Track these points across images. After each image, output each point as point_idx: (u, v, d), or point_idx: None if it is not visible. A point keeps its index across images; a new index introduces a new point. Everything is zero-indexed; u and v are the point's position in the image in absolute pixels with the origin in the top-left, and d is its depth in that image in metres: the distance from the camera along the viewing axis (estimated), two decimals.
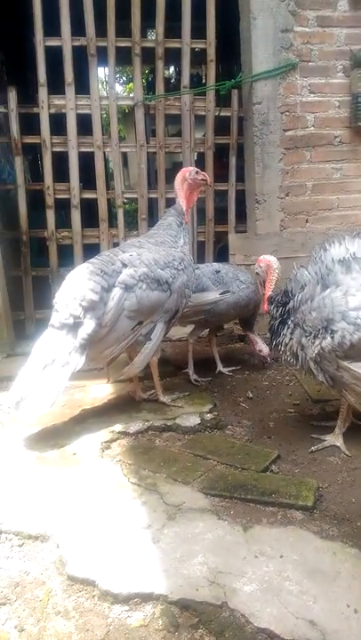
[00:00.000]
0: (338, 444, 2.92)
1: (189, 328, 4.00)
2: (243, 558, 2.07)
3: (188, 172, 3.42)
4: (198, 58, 5.10)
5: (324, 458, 2.85)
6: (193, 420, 3.21)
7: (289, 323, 2.91)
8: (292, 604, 1.84)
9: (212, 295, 3.73)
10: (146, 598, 1.90)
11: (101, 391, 3.72)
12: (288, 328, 2.91)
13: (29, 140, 4.75)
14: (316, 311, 2.73)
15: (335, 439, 2.95)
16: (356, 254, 2.77)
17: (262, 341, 3.92)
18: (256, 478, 2.59)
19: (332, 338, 2.66)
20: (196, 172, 3.42)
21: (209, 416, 3.28)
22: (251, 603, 1.86)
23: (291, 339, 2.90)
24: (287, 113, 4.52)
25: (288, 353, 2.95)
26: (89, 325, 2.97)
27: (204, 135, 4.93)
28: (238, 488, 2.50)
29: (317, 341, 2.73)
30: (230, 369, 4.06)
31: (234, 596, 1.89)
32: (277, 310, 2.99)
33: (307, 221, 4.72)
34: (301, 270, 2.94)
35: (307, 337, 2.80)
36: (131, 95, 5.30)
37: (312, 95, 4.56)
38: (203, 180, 3.41)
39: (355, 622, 1.75)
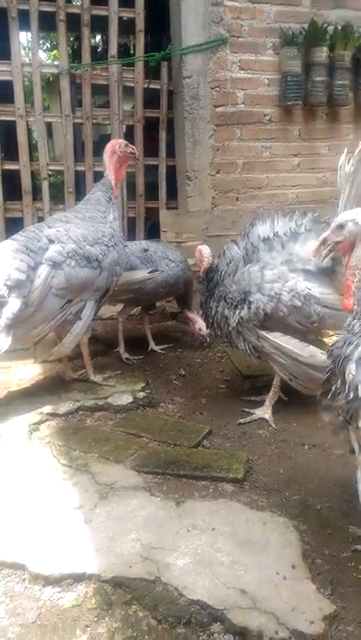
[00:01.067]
0: (266, 417, 3.00)
1: (120, 306, 3.94)
2: (176, 533, 2.08)
3: (117, 145, 3.31)
4: (127, 27, 4.94)
5: (254, 431, 2.91)
6: (125, 399, 3.18)
7: (215, 296, 3.08)
8: (223, 575, 1.87)
9: (141, 274, 3.67)
10: (78, 579, 1.87)
11: (28, 372, 3.59)
12: (214, 301, 3.08)
13: None
14: (237, 284, 2.95)
15: (264, 412, 3.02)
16: (279, 233, 2.93)
17: (201, 320, 3.89)
18: (188, 454, 2.60)
19: (249, 308, 2.87)
20: (126, 145, 3.32)
21: (141, 394, 3.26)
22: (184, 576, 1.87)
23: (216, 311, 3.08)
24: (218, 88, 4.49)
25: (215, 325, 3.13)
26: (14, 305, 2.84)
27: (133, 107, 4.82)
28: (171, 464, 2.51)
29: (237, 312, 2.94)
30: (163, 347, 4.05)
31: (167, 570, 1.90)
32: (206, 285, 3.15)
33: (237, 199, 4.74)
34: (230, 246, 3.10)
35: (229, 308, 2.99)
36: (55, 63, 5.08)
37: (242, 72, 4.55)
38: (132, 153, 3.32)
39: (284, 588, 1.81)
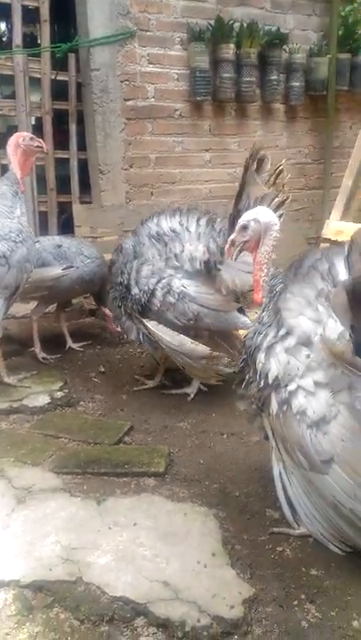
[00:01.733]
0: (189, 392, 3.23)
1: (33, 304, 3.83)
2: (97, 531, 2.06)
3: (21, 138, 3.18)
4: (32, 16, 4.76)
5: (175, 424, 2.94)
6: (42, 400, 3.10)
7: (113, 289, 3.28)
8: (146, 569, 1.87)
9: (54, 271, 3.57)
10: None
11: None
12: (113, 294, 3.27)
13: None
14: (121, 277, 3.15)
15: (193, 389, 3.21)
16: (164, 231, 3.10)
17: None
18: (109, 451, 2.58)
19: (131, 300, 3.08)
20: (31, 139, 3.19)
21: (59, 394, 3.19)
22: (106, 574, 1.86)
23: (113, 302, 3.27)
24: (127, 82, 4.46)
25: (115, 315, 3.34)
26: None
27: (41, 99, 4.67)
28: (91, 463, 2.48)
29: (124, 302, 3.13)
30: (81, 344, 3.98)
31: (88, 569, 1.88)
32: (110, 280, 3.39)
33: (152, 194, 4.75)
34: (126, 241, 3.28)
35: (121, 300, 3.16)
36: None
37: (151, 66, 4.55)
38: (38, 147, 3.21)
39: (205, 576, 1.84)
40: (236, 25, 4.70)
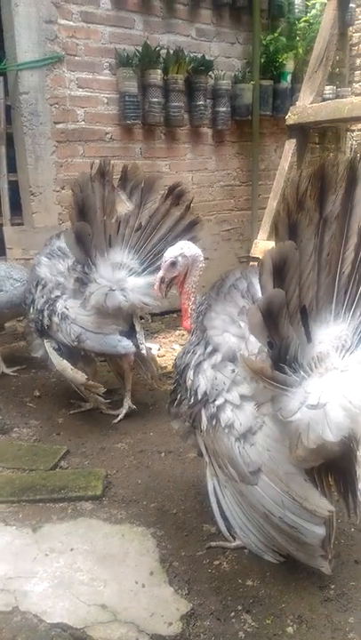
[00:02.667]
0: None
1: None
2: (33, 559, 2.03)
3: None
4: None
5: (113, 445, 2.94)
6: None
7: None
8: (83, 594, 1.86)
9: None
10: None
11: None
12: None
13: None
14: (27, 298, 3.30)
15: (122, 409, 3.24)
16: (54, 249, 3.27)
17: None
18: (45, 477, 2.55)
19: (32, 320, 3.24)
20: None
21: None
22: (43, 601, 1.84)
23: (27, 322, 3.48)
24: (57, 105, 4.48)
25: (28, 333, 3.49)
26: None
27: None
28: (26, 490, 2.44)
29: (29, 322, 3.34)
30: (15, 369, 3.91)
31: (25, 598, 1.85)
32: None
33: None
34: (35, 263, 3.37)
35: (29, 319, 3.34)
36: None
37: (81, 90, 4.60)
38: None
39: (143, 596, 1.85)
40: (163, 51, 4.85)
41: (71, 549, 2.07)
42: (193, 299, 2.16)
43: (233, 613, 1.83)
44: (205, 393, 1.89)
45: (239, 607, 1.85)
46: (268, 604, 1.87)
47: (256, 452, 1.79)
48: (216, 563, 2.05)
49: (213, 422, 1.87)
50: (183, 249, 2.14)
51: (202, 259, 2.17)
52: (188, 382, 1.94)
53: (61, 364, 3.06)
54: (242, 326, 1.87)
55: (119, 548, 2.09)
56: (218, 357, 1.88)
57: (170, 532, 2.20)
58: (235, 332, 1.89)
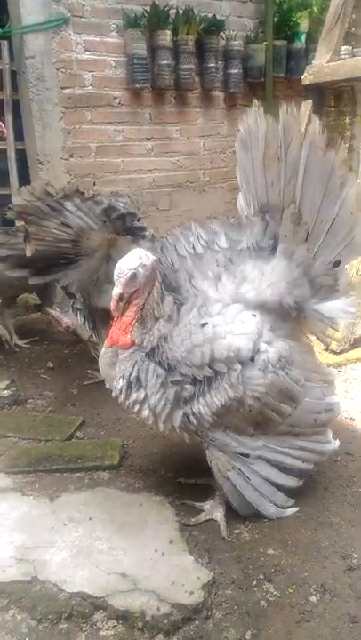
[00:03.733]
0: None
1: None
2: (51, 529, 2.01)
3: None
4: None
5: (128, 416, 2.89)
6: None
7: None
8: (103, 562, 1.85)
9: None
10: None
11: None
12: None
13: None
14: None
15: None
16: None
17: (65, 315, 3.71)
18: (61, 447, 2.53)
19: None
20: None
21: (6, 392, 3.09)
22: (62, 570, 1.82)
23: None
24: (63, 70, 4.34)
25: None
26: None
27: None
28: (43, 460, 2.42)
29: None
30: (28, 340, 3.88)
31: (44, 568, 1.83)
32: None
33: (94, 184, 4.66)
34: None
35: None
36: None
37: (88, 53, 4.44)
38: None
39: (162, 564, 1.83)
40: (172, 12, 4.65)
41: (90, 519, 2.05)
42: (137, 309, 1.90)
43: (255, 582, 1.81)
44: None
45: (261, 576, 1.83)
46: (290, 572, 1.85)
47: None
48: (236, 532, 2.03)
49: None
50: (142, 258, 1.86)
51: (158, 266, 1.93)
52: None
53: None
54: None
55: (137, 516, 2.07)
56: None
57: (188, 502, 2.17)
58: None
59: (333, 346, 3.56)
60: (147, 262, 1.86)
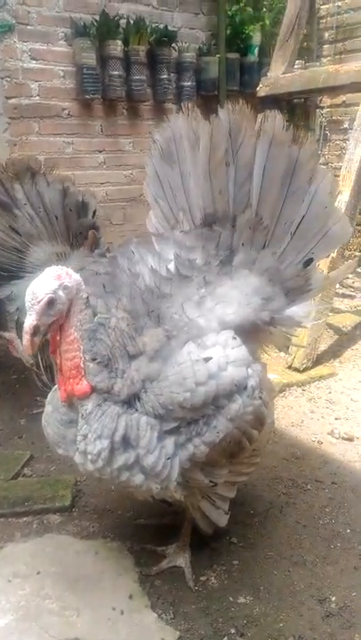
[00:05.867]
0: None
1: None
2: None
3: None
4: None
5: None
6: None
7: None
8: (53, 626, 1.62)
9: None
10: None
11: None
12: None
13: None
14: None
15: None
16: None
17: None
18: (6, 488, 2.28)
19: None
20: None
21: None
22: (6, 638, 1.58)
23: None
24: (8, 79, 4.12)
25: None
26: None
27: None
28: None
29: None
30: None
31: None
32: None
33: None
34: None
35: None
36: None
37: (34, 62, 4.25)
38: None
39: (122, 625, 1.62)
40: (123, 21, 4.52)
41: (38, 573, 1.82)
42: (80, 344, 1.56)
43: (225, 638, 1.62)
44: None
45: (232, 630, 1.65)
46: (263, 624, 1.67)
47: None
48: (203, 578, 1.84)
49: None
50: (62, 277, 1.50)
51: (84, 287, 1.58)
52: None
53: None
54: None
55: (93, 567, 1.85)
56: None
57: (149, 546, 1.96)
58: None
59: (296, 364, 3.45)
60: (69, 283, 1.51)
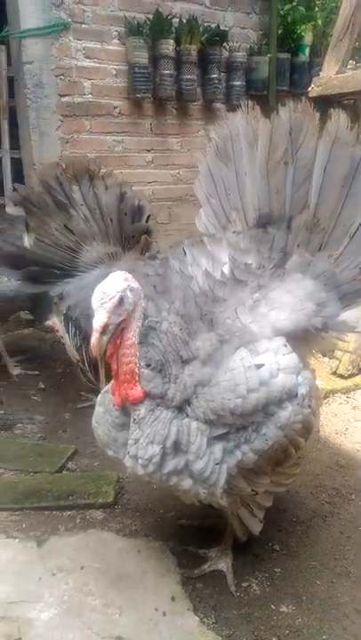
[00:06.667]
0: None
1: None
2: (38, 579, 1.80)
3: None
4: None
5: None
6: None
7: None
8: (96, 623, 1.63)
9: None
10: None
11: None
12: None
13: None
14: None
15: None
16: None
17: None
18: (50, 481, 2.31)
19: None
20: None
21: None
22: (49, 632, 1.61)
23: None
24: (62, 77, 4.17)
25: None
26: None
27: None
28: (30, 496, 2.20)
29: None
30: (18, 358, 3.66)
31: (30, 628, 1.62)
32: None
33: None
34: None
35: None
36: None
37: (88, 60, 4.28)
38: None
39: (165, 627, 1.62)
40: (175, 20, 4.52)
41: (81, 568, 1.84)
42: (137, 352, 1.55)
43: None
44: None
45: (274, 639, 1.62)
46: (306, 635, 1.65)
47: None
48: (245, 585, 1.83)
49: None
50: (128, 279, 1.53)
51: (143, 295, 1.58)
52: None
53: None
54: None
55: (135, 566, 1.86)
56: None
57: (190, 548, 1.96)
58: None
59: (341, 370, 3.39)
60: (135, 285, 1.53)
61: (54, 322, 3.27)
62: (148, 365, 1.55)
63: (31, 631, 1.60)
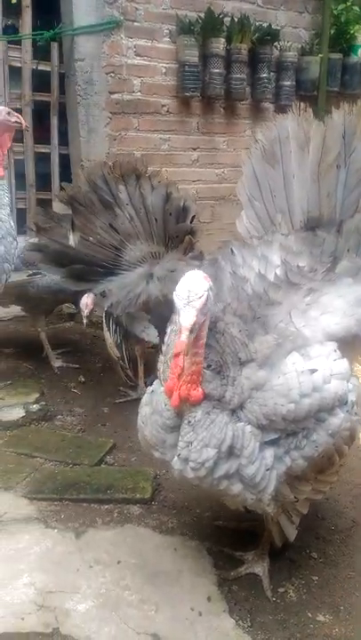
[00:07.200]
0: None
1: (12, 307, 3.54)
2: (76, 571, 1.82)
3: None
4: (15, 6, 4.47)
5: None
6: (16, 413, 2.83)
7: None
8: (132, 618, 1.65)
9: (19, 276, 3.16)
10: None
11: None
12: None
13: None
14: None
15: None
16: None
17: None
18: (89, 474, 2.35)
19: None
20: (8, 113, 2.81)
21: (35, 407, 2.93)
22: (86, 624, 1.63)
23: None
24: (112, 74, 4.21)
25: None
26: None
27: (21, 90, 4.39)
28: (69, 487, 2.24)
29: None
30: (60, 351, 3.71)
31: (67, 618, 1.64)
32: None
33: None
34: None
35: None
36: None
37: (138, 58, 4.31)
38: (17, 122, 2.85)
39: (200, 627, 1.62)
40: (227, 19, 4.50)
41: (118, 562, 1.86)
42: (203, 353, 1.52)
43: None
44: None
45: None
46: None
47: None
48: (281, 590, 1.81)
49: None
50: (208, 280, 1.49)
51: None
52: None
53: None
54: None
55: (171, 564, 1.86)
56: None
57: (227, 549, 1.95)
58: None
59: None
60: (212, 285, 1.50)
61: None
62: (209, 366, 1.52)
63: (68, 621, 1.62)
